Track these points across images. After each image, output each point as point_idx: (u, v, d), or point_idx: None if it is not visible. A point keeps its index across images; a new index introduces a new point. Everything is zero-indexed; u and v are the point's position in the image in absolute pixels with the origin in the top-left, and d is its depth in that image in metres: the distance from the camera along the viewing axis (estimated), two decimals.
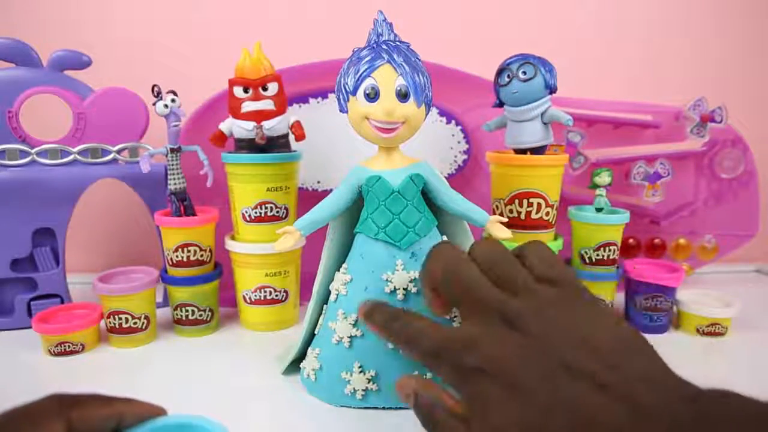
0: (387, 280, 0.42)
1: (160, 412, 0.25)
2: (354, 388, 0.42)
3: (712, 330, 0.57)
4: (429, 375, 0.42)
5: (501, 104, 0.57)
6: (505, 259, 0.30)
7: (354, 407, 0.43)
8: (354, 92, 0.42)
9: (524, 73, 0.53)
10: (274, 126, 0.56)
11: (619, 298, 0.62)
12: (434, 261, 0.32)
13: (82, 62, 0.61)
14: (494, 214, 0.59)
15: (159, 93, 0.55)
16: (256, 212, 0.58)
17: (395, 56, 0.41)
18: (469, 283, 0.29)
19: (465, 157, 0.68)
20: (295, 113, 0.60)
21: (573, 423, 0.21)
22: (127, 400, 0.24)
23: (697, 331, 0.57)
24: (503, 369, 0.24)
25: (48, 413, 0.21)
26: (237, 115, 0.56)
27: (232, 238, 0.60)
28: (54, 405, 0.22)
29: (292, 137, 0.59)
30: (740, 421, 0.19)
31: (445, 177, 0.61)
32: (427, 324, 0.30)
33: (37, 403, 0.22)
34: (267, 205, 0.58)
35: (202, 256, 0.58)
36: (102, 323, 0.55)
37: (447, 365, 0.27)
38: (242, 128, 0.56)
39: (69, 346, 0.52)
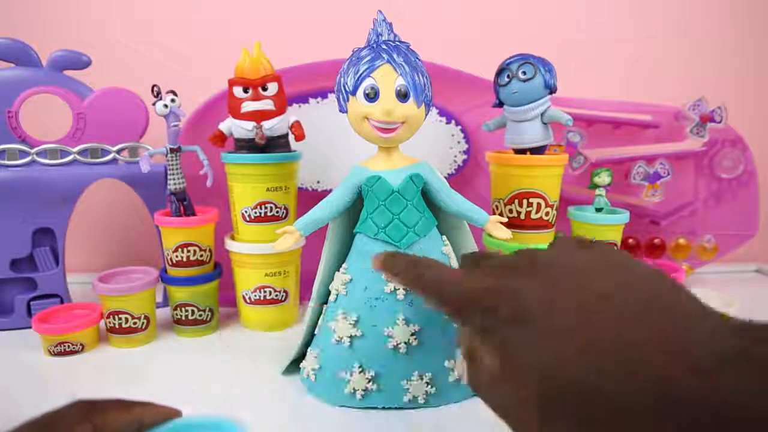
0: (387, 279, 0.42)
1: (176, 414, 0.25)
2: (354, 388, 0.42)
3: None
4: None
5: (501, 104, 0.57)
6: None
7: (354, 407, 0.43)
8: (354, 92, 0.42)
9: (524, 73, 0.53)
10: (273, 126, 0.56)
11: None
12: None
13: (81, 62, 0.61)
14: (494, 214, 0.59)
15: (159, 93, 0.55)
16: (255, 212, 0.58)
17: (395, 56, 0.41)
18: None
19: (465, 157, 0.68)
20: (294, 113, 0.60)
21: (616, 359, 0.20)
22: (146, 403, 0.24)
23: None
24: (537, 314, 0.23)
25: (74, 419, 0.22)
26: (237, 115, 0.56)
27: (232, 238, 0.60)
28: (79, 411, 0.22)
29: (291, 137, 0.59)
30: None
31: (445, 177, 0.61)
32: (451, 273, 0.28)
33: (63, 410, 0.22)
34: (267, 205, 0.58)
35: (201, 256, 0.58)
36: (102, 323, 0.55)
37: (477, 315, 0.25)
38: (242, 128, 0.56)
39: (69, 346, 0.52)
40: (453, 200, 0.45)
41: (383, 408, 0.42)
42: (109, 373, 0.50)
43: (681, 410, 0.18)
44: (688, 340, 0.20)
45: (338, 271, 0.45)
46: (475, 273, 0.28)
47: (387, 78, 0.41)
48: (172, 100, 0.55)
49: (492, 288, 0.25)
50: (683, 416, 0.18)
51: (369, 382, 0.42)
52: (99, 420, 0.22)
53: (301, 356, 0.48)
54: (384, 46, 0.42)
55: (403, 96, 0.41)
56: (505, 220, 0.46)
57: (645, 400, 0.19)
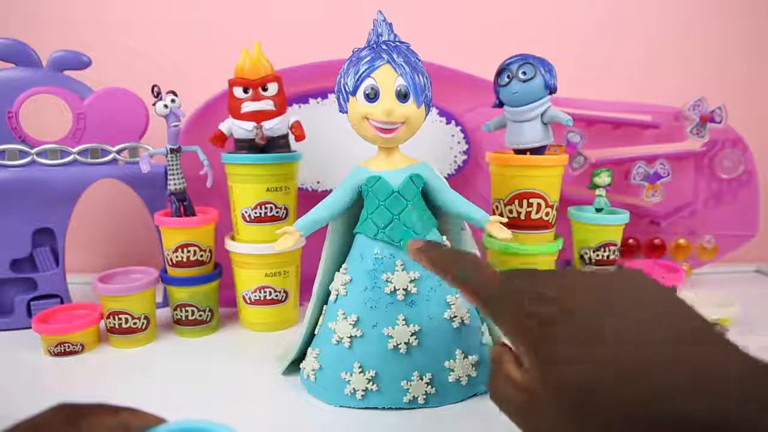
0: (387, 280, 0.42)
1: (161, 422, 0.25)
2: (354, 389, 0.42)
3: None
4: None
5: (501, 104, 0.57)
6: None
7: (354, 407, 0.43)
8: (354, 92, 0.42)
9: (524, 73, 0.53)
10: (273, 126, 0.56)
11: None
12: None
13: (81, 62, 0.61)
14: (494, 214, 0.59)
15: (159, 93, 0.55)
16: (255, 212, 0.58)
17: (395, 56, 0.41)
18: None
19: (465, 157, 0.68)
20: (294, 113, 0.61)
21: (656, 375, 0.21)
22: (132, 409, 0.24)
23: None
24: (578, 317, 0.23)
25: (59, 423, 0.21)
26: (237, 115, 0.56)
27: (232, 238, 0.60)
28: (60, 416, 0.21)
29: (291, 137, 0.59)
30: None
31: (445, 177, 0.61)
32: (491, 271, 0.29)
33: (44, 415, 0.21)
34: (267, 206, 0.58)
35: (201, 256, 0.58)
36: (102, 323, 0.55)
37: (511, 313, 0.26)
38: (242, 128, 0.56)
39: (69, 347, 0.52)
40: (453, 200, 0.45)
41: (383, 408, 0.42)
42: (109, 373, 0.50)
43: None
44: (723, 379, 0.20)
45: (338, 271, 0.45)
46: (515, 276, 0.28)
47: (387, 78, 0.41)
48: (172, 101, 0.55)
49: (532, 289, 0.26)
50: None
51: (369, 382, 0.42)
52: (85, 424, 0.21)
53: (301, 356, 0.48)
54: (384, 47, 0.42)
55: (403, 96, 0.41)
56: (505, 220, 0.45)
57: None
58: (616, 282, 0.26)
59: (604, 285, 0.26)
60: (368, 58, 0.41)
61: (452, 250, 0.32)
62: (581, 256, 0.60)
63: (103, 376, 0.49)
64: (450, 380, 0.43)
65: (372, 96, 0.41)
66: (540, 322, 0.25)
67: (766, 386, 0.20)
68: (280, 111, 0.57)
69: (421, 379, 0.42)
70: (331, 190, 0.50)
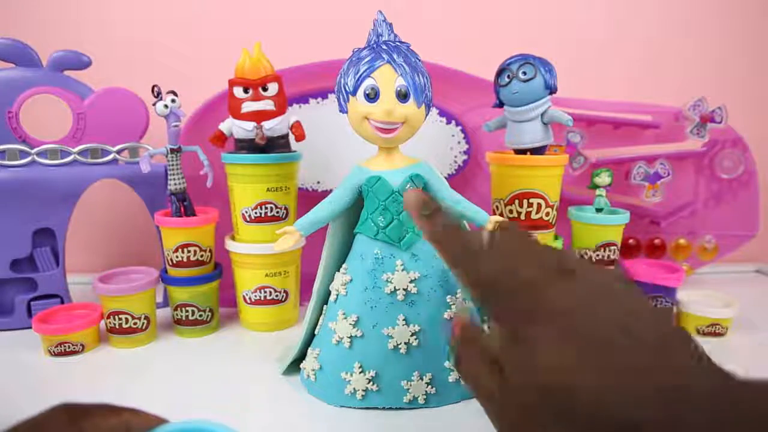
0: (387, 280, 0.42)
1: (162, 421, 0.25)
2: (354, 389, 0.42)
3: (712, 330, 0.57)
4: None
5: (501, 104, 0.57)
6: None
7: (354, 407, 0.43)
8: (354, 92, 0.42)
9: (524, 73, 0.53)
10: (274, 126, 0.56)
11: None
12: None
13: (81, 62, 0.61)
14: (494, 214, 0.59)
15: (159, 93, 0.55)
16: (256, 212, 0.58)
17: (395, 56, 0.41)
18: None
19: (465, 157, 0.68)
20: (295, 113, 0.60)
21: (625, 383, 0.21)
22: (133, 409, 0.24)
23: (698, 331, 0.57)
24: (562, 315, 0.23)
25: (57, 425, 0.21)
26: (237, 115, 0.56)
27: (232, 238, 0.60)
28: (62, 416, 0.21)
29: (292, 137, 0.59)
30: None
31: (445, 177, 0.61)
32: (487, 249, 0.28)
33: (45, 415, 0.21)
34: (267, 206, 0.58)
35: (202, 256, 0.58)
36: (102, 323, 0.55)
37: (497, 301, 0.26)
38: (242, 128, 0.56)
39: (69, 347, 0.52)
40: (453, 200, 0.45)
41: (383, 408, 0.42)
42: (109, 374, 0.50)
43: None
44: (687, 377, 0.21)
45: (338, 271, 0.45)
46: (496, 251, 0.27)
47: (387, 78, 0.41)
48: (173, 101, 0.55)
49: (511, 272, 0.26)
50: None
51: (369, 382, 0.42)
52: (86, 424, 0.21)
53: (301, 356, 0.48)
54: (384, 47, 0.42)
55: (403, 96, 0.41)
56: (506, 220, 0.45)
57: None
58: (596, 281, 0.25)
59: (587, 282, 0.25)
60: (368, 58, 0.41)
61: (452, 227, 0.30)
62: (581, 257, 0.60)
63: (103, 376, 0.49)
64: (450, 380, 0.43)
65: (372, 96, 0.41)
66: (523, 318, 0.24)
67: (736, 402, 0.19)
68: (280, 111, 0.57)
69: (422, 379, 0.42)
70: (331, 190, 0.50)
